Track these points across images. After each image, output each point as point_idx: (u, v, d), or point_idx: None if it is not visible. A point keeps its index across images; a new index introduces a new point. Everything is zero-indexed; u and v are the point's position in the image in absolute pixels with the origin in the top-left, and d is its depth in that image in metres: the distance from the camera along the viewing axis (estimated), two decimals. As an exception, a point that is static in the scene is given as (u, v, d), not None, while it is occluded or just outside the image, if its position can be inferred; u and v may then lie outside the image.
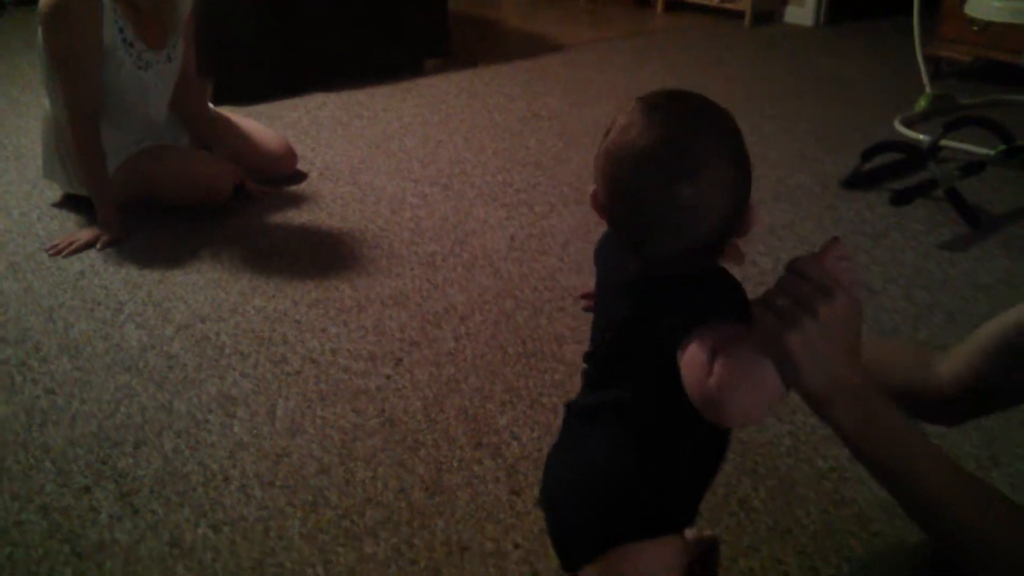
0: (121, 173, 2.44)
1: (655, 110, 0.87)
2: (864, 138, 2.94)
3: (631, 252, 0.93)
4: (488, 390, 1.78)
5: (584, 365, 1.04)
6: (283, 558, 1.38)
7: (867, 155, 2.79)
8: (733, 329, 0.82)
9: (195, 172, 2.51)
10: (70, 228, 2.46)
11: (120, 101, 2.38)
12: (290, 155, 2.81)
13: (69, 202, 2.58)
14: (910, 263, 2.28)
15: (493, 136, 3.16)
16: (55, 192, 2.63)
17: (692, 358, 0.82)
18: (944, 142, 2.84)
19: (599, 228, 1.00)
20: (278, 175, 2.76)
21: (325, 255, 2.34)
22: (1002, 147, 2.76)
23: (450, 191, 2.71)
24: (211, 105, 2.76)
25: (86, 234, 2.37)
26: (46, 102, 2.47)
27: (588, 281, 1.11)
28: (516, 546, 1.39)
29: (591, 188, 0.92)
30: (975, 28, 3.58)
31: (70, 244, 2.35)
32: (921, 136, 2.99)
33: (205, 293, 2.15)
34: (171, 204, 2.51)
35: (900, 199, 2.53)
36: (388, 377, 1.83)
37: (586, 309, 1.11)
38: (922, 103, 3.36)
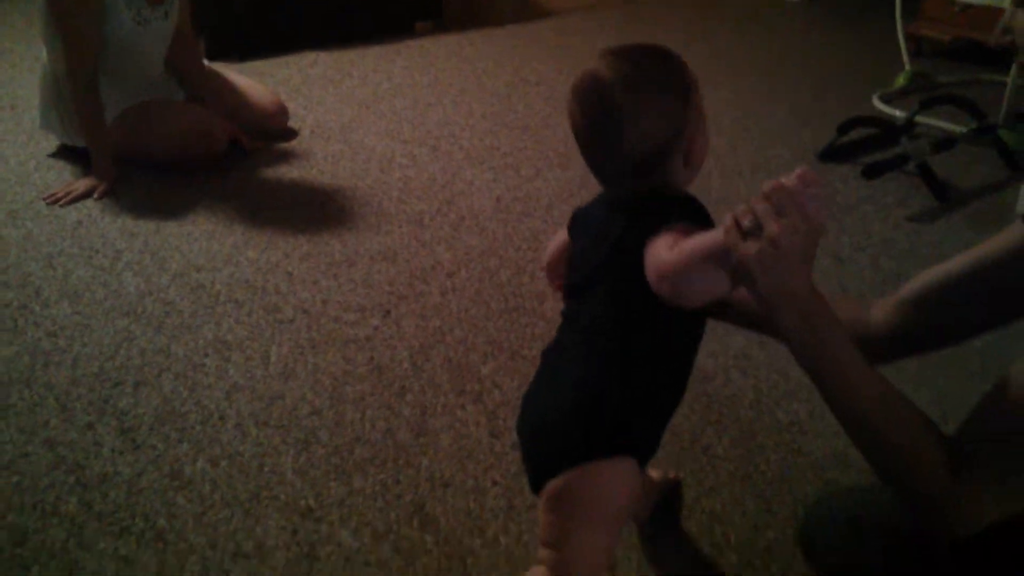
0: (117, 126, 2.49)
1: (612, 51, 1.04)
2: (842, 113, 3.02)
3: (595, 174, 1.08)
4: (471, 342, 1.87)
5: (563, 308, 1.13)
6: (277, 491, 1.48)
7: (843, 129, 2.88)
8: (698, 230, 0.95)
9: (190, 127, 2.57)
10: (67, 178, 2.52)
11: (118, 56, 2.43)
12: (282, 112, 2.87)
13: (65, 153, 2.64)
14: (878, 233, 2.38)
15: (481, 100, 3.23)
16: (51, 143, 2.68)
17: (657, 246, 0.95)
18: (919, 118, 2.93)
19: (582, 192, 1.10)
20: (270, 131, 2.82)
21: (316, 210, 2.42)
22: (974, 125, 2.85)
23: (438, 152, 2.78)
24: (205, 62, 2.81)
25: (83, 184, 2.44)
26: (43, 54, 2.52)
27: (550, 252, 1.22)
28: (494, 483, 1.49)
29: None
30: (956, 8, 3.66)
31: (67, 194, 2.41)
32: (897, 112, 3.08)
33: (200, 243, 2.22)
34: (166, 158, 2.57)
35: (872, 172, 2.62)
36: (376, 328, 1.91)
37: (556, 288, 1.21)
38: (901, 80, 3.45)
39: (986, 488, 0.88)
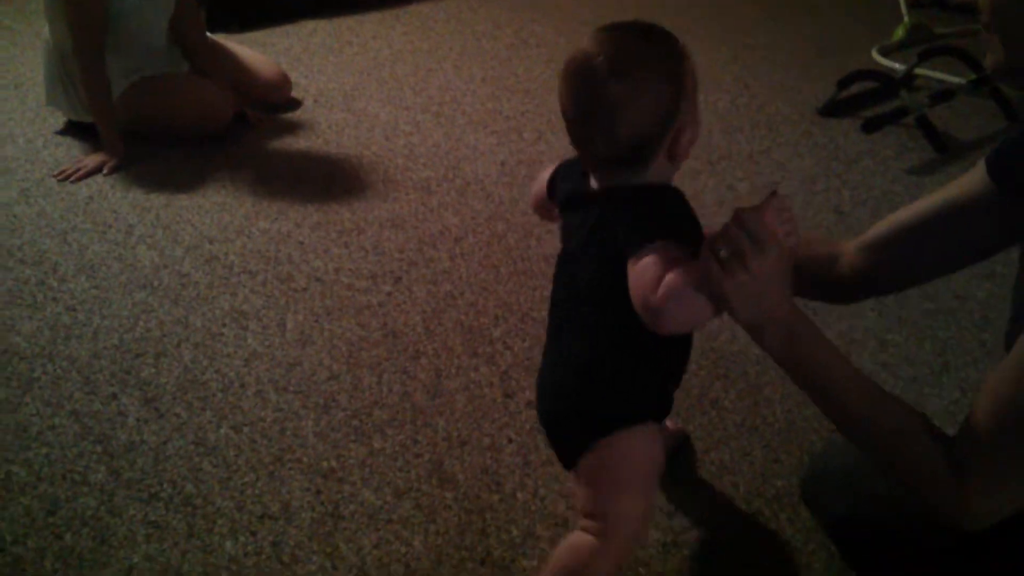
0: (124, 100, 2.51)
1: (605, 30, 1.01)
2: (842, 67, 3.04)
3: (580, 156, 1.07)
4: (482, 305, 1.91)
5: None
6: (300, 454, 1.53)
7: (843, 84, 2.90)
8: (682, 254, 0.96)
9: (196, 99, 2.59)
10: (75, 154, 2.55)
11: (122, 29, 2.44)
12: (285, 82, 2.88)
13: (73, 129, 2.66)
14: (879, 187, 2.41)
15: (482, 64, 3.24)
16: (58, 119, 2.71)
17: (643, 273, 0.96)
18: (917, 71, 2.95)
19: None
20: (274, 102, 2.84)
21: (324, 180, 2.45)
22: (972, 76, 2.87)
23: (442, 118, 2.80)
24: (208, 34, 2.82)
25: (92, 160, 2.46)
26: (44, 30, 2.53)
27: (534, 196, 1.25)
28: (510, 440, 1.54)
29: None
30: (954, -43, 3.66)
31: (77, 170, 2.43)
32: (896, 65, 3.09)
33: (211, 216, 2.26)
34: (173, 131, 2.59)
35: (871, 126, 2.64)
36: (389, 294, 1.95)
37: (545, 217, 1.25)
38: (899, 32, 3.44)
39: (999, 482, 0.90)
